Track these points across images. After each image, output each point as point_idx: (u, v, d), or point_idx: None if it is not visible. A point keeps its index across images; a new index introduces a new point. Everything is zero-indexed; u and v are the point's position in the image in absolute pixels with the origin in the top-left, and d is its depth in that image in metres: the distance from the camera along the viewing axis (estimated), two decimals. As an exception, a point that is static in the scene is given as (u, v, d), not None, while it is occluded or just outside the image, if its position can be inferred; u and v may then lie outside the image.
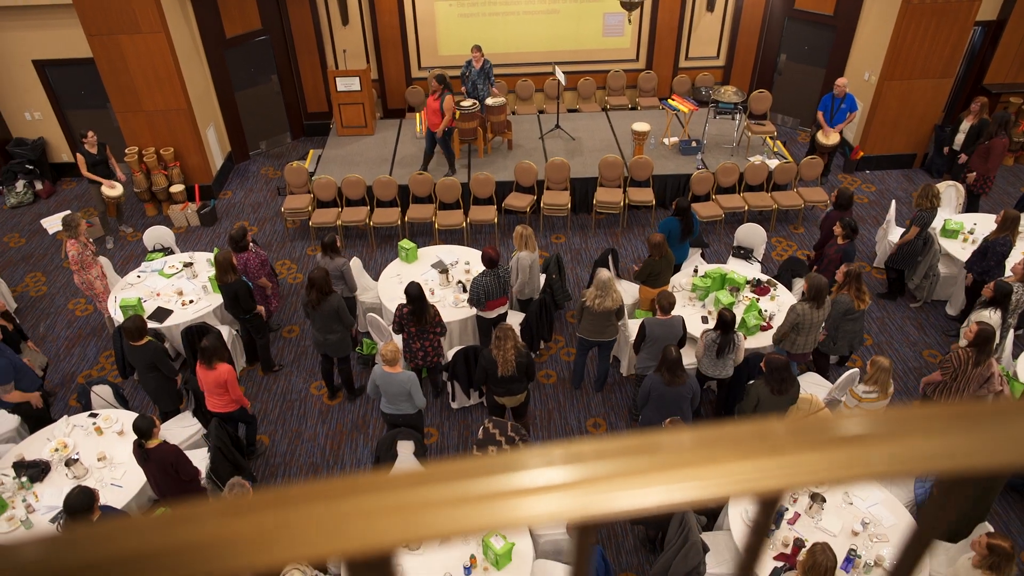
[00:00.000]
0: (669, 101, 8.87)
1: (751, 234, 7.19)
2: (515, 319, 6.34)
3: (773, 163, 8.39)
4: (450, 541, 0.41)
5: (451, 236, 8.03)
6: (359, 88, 8.90)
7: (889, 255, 7.08)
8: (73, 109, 9.31)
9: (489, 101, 8.59)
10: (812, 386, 5.67)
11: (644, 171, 8.29)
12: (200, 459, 4.95)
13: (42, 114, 9.27)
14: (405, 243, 6.83)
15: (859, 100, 8.79)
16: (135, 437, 4.42)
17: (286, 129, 10.34)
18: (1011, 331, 5.87)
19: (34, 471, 4.74)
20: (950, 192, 7.74)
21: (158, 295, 6.41)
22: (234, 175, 9.69)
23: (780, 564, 4.09)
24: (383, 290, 6.51)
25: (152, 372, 5.29)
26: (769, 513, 0.46)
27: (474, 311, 6.02)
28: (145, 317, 5.85)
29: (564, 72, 8.95)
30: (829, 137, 8.48)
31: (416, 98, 9.91)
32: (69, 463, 4.76)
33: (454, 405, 6.11)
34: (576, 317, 5.98)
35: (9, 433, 5.30)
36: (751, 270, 6.76)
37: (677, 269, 6.59)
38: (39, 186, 9.29)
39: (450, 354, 5.82)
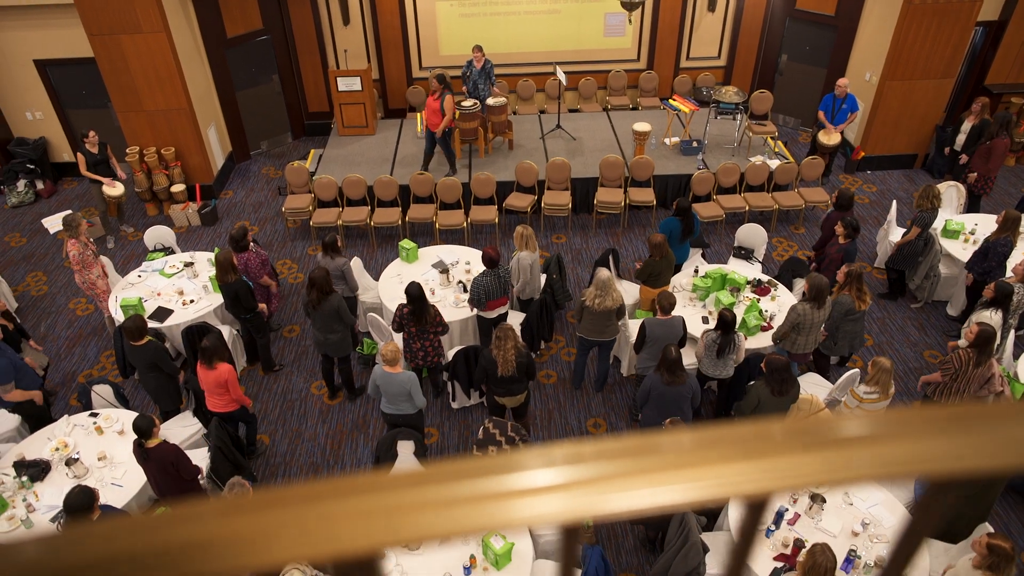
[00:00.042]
0: (670, 101, 8.87)
1: (752, 234, 7.18)
2: (515, 319, 6.34)
3: (774, 163, 8.39)
4: (449, 541, 0.41)
5: (452, 236, 8.03)
6: (360, 88, 8.90)
7: (890, 255, 7.07)
8: (74, 109, 9.32)
9: (490, 101, 8.59)
10: (812, 386, 5.67)
11: (645, 171, 8.29)
12: (200, 459, 4.95)
13: (43, 114, 9.28)
14: (406, 243, 6.83)
15: (860, 100, 8.78)
16: (135, 437, 4.43)
17: (287, 129, 10.35)
18: (1012, 332, 5.86)
19: (34, 470, 4.75)
20: (951, 193, 7.73)
21: (159, 295, 6.42)
22: (235, 175, 9.69)
23: (780, 564, 4.08)
24: (384, 290, 6.51)
25: (152, 372, 5.30)
26: (758, 515, 0.46)
27: (474, 311, 6.02)
28: (146, 317, 5.86)
29: (565, 72, 8.95)
30: (830, 137, 8.47)
31: (417, 98, 9.91)
32: (69, 462, 4.77)
33: (454, 405, 6.11)
34: (576, 317, 5.98)
35: (10, 432, 5.30)
36: (752, 270, 6.76)
37: (678, 269, 6.59)
38: (40, 186, 9.30)
39: (450, 354, 5.82)
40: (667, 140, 8.92)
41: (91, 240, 6.63)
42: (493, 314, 5.98)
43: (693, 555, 4.00)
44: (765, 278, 6.43)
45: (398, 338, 5.77)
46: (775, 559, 4.14)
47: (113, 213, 8.31)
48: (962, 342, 5.59)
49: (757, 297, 6.21)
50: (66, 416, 5.26)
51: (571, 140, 9.06)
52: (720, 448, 0.42)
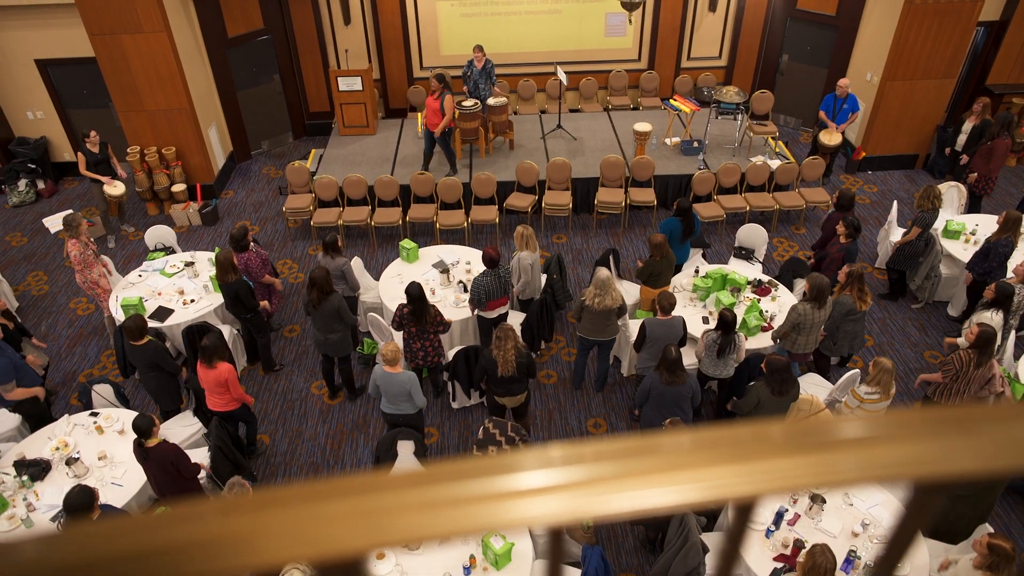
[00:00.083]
0: (671, 101, 8.87)
1: (752, 234, 7.18)
2: (516, 319, 6.34)
3: (775, 163, 8.38)
4: (449, 541, 0.41)
5: (452, 236, 8.04)
6: (361, 88, 8.90)
7: (890, 256, 7.07)
8: (75, 108, 9.33)
9: (491, 101, 8.59)
10: (813, 387, 5.67)
11: (646, 171, 8.29)
12: (200, 458, 4.95)
13: (44, 113, 9.28)
14: (406, 243, 6.83)
15: (861, 100, 8.78)
16: (135, 436, 4.43)
17: (288, 129, 10.35)
18: (1012, 332, 5.86)
19: (35, 470, 4.75)
20: (952, 193, 7.73)
21: (159, 294, 6.42)
22: (236, 174, 9.70)
23: (780, 565, 4.08)
24: (384, 290, 6.51)
25: (153, 371, 5.30)
26: (746, 517, 0.46)
27: (475, 312, 6.02)
28: (146, 316, 5.87)
29: (566, 72, 8.95)
30: (831, 138, 8.47)
31: (418, 97, 9.91)
32: (70, 462, 4.77)
33: (454, 405, 6.11)
34: (575, 316, 5.98)
35: (10, 432, 5.31)
36: (752, 271, 6.76)
37: (678, 269, 6.59)
38: (41, 185, 9.31)
39: (451, 354, 5.82)
40: (668, 140, 8.92)
41: (91, 240, 6.63)
42: (493, 314, 5.98)
43: (693, 555, 4.00)
44: (766, 278, 6.43)
45: (398, 337, 5.77)
46: (775, 559, 4.14)
47: (114, 213, 8.32)
48: (961, 341, 5.59)
49: (757, 297, 6.21)
50: (66, 415, 5.27)
51: (572, 140, 9.06)
52: (719, 449, 0.42)
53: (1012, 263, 6.22)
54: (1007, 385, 5.26)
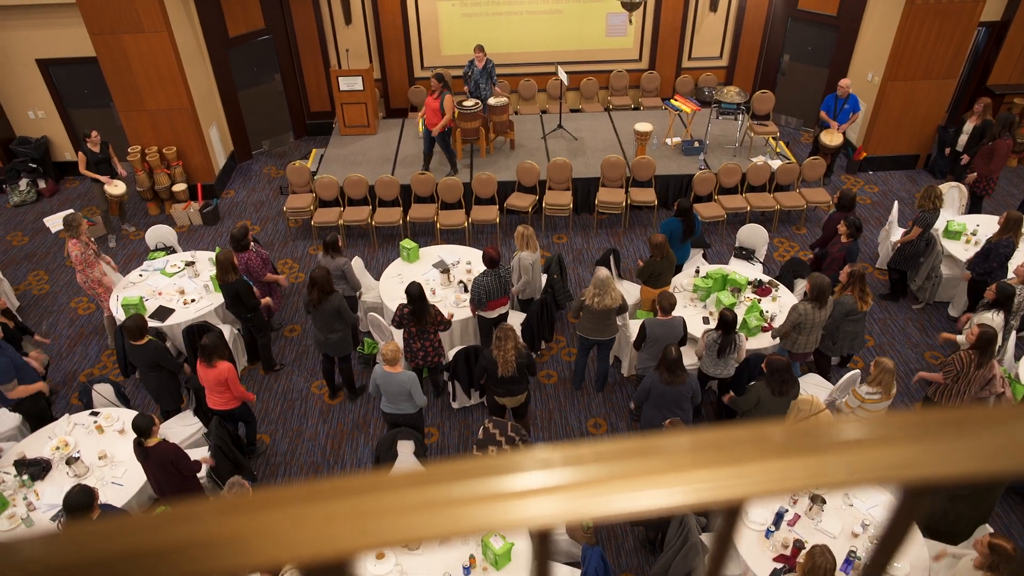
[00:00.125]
0: (672, 101, 8.86)
1: (753, 235, 7.18)
2: (516, 319, 6.34)
3: (776, 164, 8.38)
4: (449, 542, 0.42)
5: (453, 236, 8.04)
6: (362, 88, 8.90)
7: (892, 256, 7.06)
8: (76, 108, 9.33)
9: (491, 101, 8.59)
10: (813, 387, 5.67)
11: (646, 171, 8.29)
12: (200, 458, 4.95)
13: (45, 113, 9.29)
14: (407, 243, 6.83)
15: (862, 101, 8.77)
16: (135, 436, 4.43)
17: (289, 128, 10.36)
18: (1013, 333, 5.86)
19: (35, 469, 4.75)
20: (953, 193, 7.72)
21: (160, 294, 6.42)
22: (237, 174, 9.70)
23: (780, 566, 4.08)
24: (384, 289, 6.51)
25: (153, 371, 5.30)
26: (733, 520, 0.46)
27: (476, 313, 6.02)
28: (147, 316, 5.87)
29: (567, 72, 8.95)
30: (832, 138, 8.46)
31: (419, 98, 9.91)
32: (70, 461, 4.77)
33: (455, 405, 6.11)
34: (574, 315, 5.99)
35: (10, 431, 5.31)
36: (753, 271, 6.75)
37: (678, 270, 6.59)
38: (42, 185, 9.31)
39: (451, 354, 5.82)
40: (668, 140, 8.92)
41: (92, 239, 6.64)
42: (494, 314, 5.98)
43: (693, 555, 4.00)
44: (766, 279, 6.42)
45: (398, 337, 5.77)
46: (775, 560, 4.13)
47: (115, 212, 8.32)
48: (961, 339, 5.59)
49: (758, 298, 6.21)
50: (67, 415, 5.27)
51: (572, 140, 9.05)
52: (718, 451, 0.42)
53: (1013, 264, 6.21)
54: (1008, 386, 5.26)
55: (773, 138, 8.85)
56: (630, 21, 8.84)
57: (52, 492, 4.63)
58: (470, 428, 5.99)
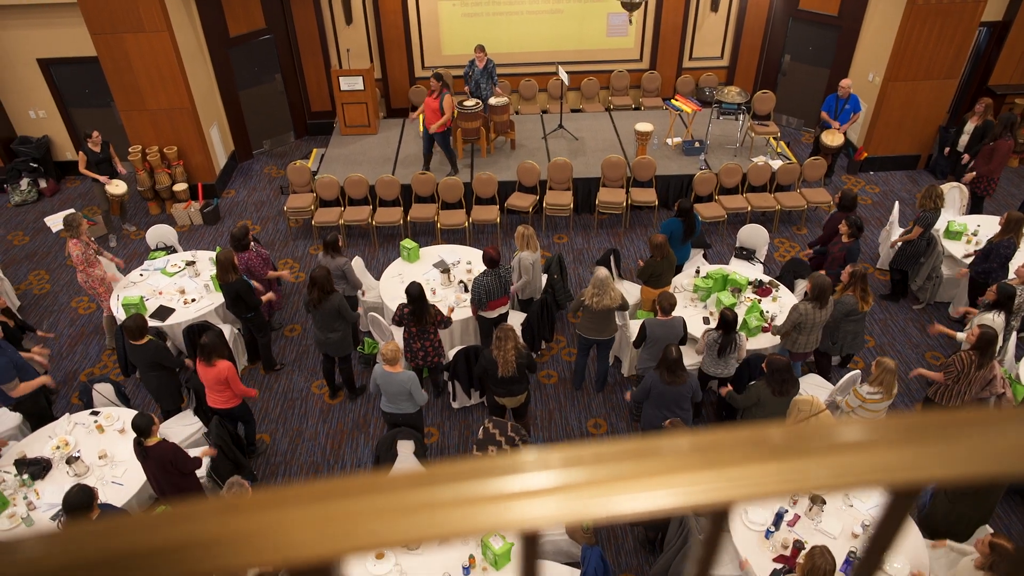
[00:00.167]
0: (672, 101, 8.86)
1: (753, 235, 7.18)
2: (516, 319, 6.34)
3: (776, 164, 8.38)
4: (449, 542, 0.42)
5: (453, 236, 8.04)
6: (362, 87, 8.91)
7: (893, 255, 7.06)
8: (77, 108, 9.34)
9: (492, 101, 8.59)
10: (814, 387, 5.66)
11: (647, 171, 8.29)
12: (201, 451, 4.96)
13: (46, 112, 9.30)
14: (407, 242, 6.84)
15: (863, 101, 8.77)
16: (135, 435, 4.44)
17: (289, 128, 10.36)
18: (1014, 333, 5.85)
19: (35, 469, 4.76)
20: (954, 194, 7.71)
21: (160, 293, 6.43)
22: (237, 174, 9.70)
23: (780, 566, 4.08)
24: (385, 289, 6.52)
25: (154, 371, 5.31)
26: (721, 524, 0.46)
27: (477, 313, 6.02)
28: (147, 315, 5.88)
29: (567, 72, 8.95)
30: (833, 138, 8.46)
31: (420, 98, 9.91)
32: (70, 461, 4.78)
33: (455, 405, 6.12)
34: (573, 315, 5.99)
35: (11, 431, 5.32)
36: (753, 271, 6.75)
37: (679, 270, 6.59)
38: (43, 184, 9.32)
39: (451, 354, 5.82)
40: (669, 140, 8.92)
41: (92, 239, 6.65)
42: (494, 314, 5.98)
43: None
44: (766, 279, 6.42)
45: (398, 337, 5.78)
46: (774, 560, 4.13)
47: (116, 212, 8.33)
48: (961, 336, 5.60)
49: (758, 298, 6.21)
50: (67, 414, 5.28)
51: (573, 140, 9.05)
52: (718, 452, 0.42)
53: (1014, 264, 6.21)
54: (1008, 386, 5.25)
55: (774, 138, 8.84)
56: (630, 21, 8.85)
57: (52, 491, 4.63)
58: (470, 428, 5.99)
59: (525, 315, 6.34)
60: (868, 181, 9.29)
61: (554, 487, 0.41)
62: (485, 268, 5.81)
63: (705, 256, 7.31)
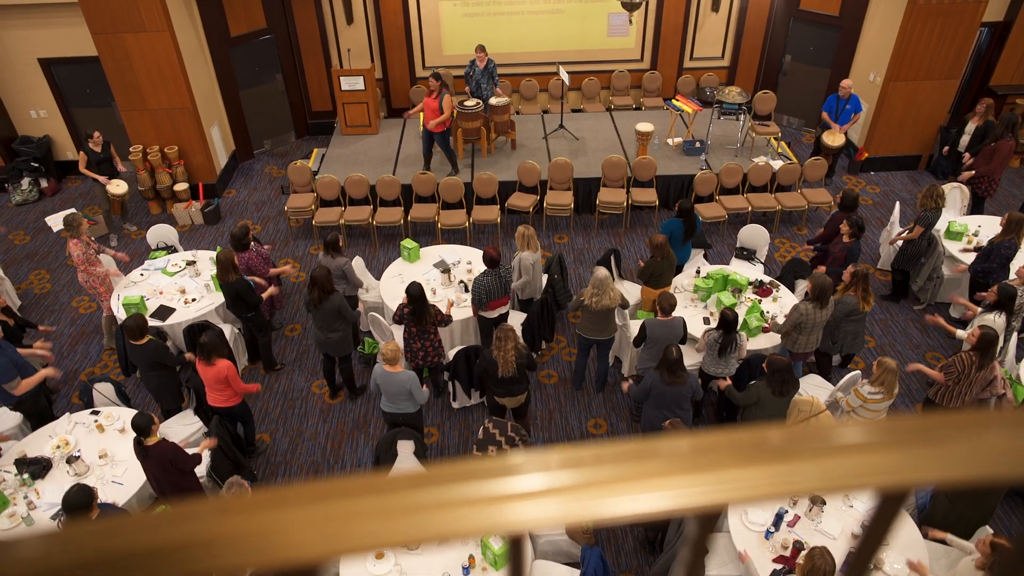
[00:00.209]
0: (673, 101, 8.86)
1: (754, 235, 7.17)
2: (516, 319, 6.34)
3: (777, 164, 8.37)
4: (448, 542, 0.42)
5: (454, 236, 8.04)
6: (363, 87, 8.91)
7: (895, 255, 7.05)
8: (78, 107, 9.35)
9: (493, 101, 8.59)
10: (814, 388, 5.66)
11: (647, 171, 8.29)
12: (200, 444, 4.96)
13: (47, 112, 9.31)
14: (407, 242, 6.84)
15: (864, 101, 8.76)
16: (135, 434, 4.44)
17: (290, 128, 10.37)
18: (1015, 334, 5.85)
19: (36, 468, 4.76)
20: (955, 194, 7.71)
21: (161, 293, 6.43)
22: (238, 174, 9.71)
23: (779, 567, 4.08)
24: (385, 289, 6.52)
25: (154, 371, 5.31)
26: (709, 527, 0.46)
27: (478, 313, 6.02)
28: (147, 315, 5.88)
29: (568, 72, 8.95)
30: (834, 138, 8.46)
31: (420, 98, 9.90)
32: (70, 460, 4.78)
33: (455, 405, 6.12)
34: (572, 314, 5.98)
35: (11, 430, 5.32)
36: (754, 271, 6.75)
37: (679, 270, 6.59)
38: (44, 184, 9.33)
39: (451, 354, 5.82)
40: (670, 140, 8.92)
41: (93, 239, 6.65)
42: (494, 314, 5.98)
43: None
44: (767, 279, 6.42)
45: (399, 336, 5.78)
46: (774, 561, 4.13)
47: (117, 211, 8.34)
48: (961, 333, 5.59)
49: (759, 298, 6.21)
50: (67, 414, 5.28)
51: (574, 140, 9.05)
52: (712, 455, 0.42)
53: (1015, 265, 6.21)
54: (1009, 387, 5.25)
55: (775, 138, 8.84)
56: (630, 21, 8.84)
57: (52, 491, 4.63)
58: (470, 428, 5.99)
59: (525, 315, 6.34)
60: (869, 181, 9.29)
61: (553, 488, 0.41)
62: (485, 268, 5.81)
63: (706, 256, 7.31)
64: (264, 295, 6.10)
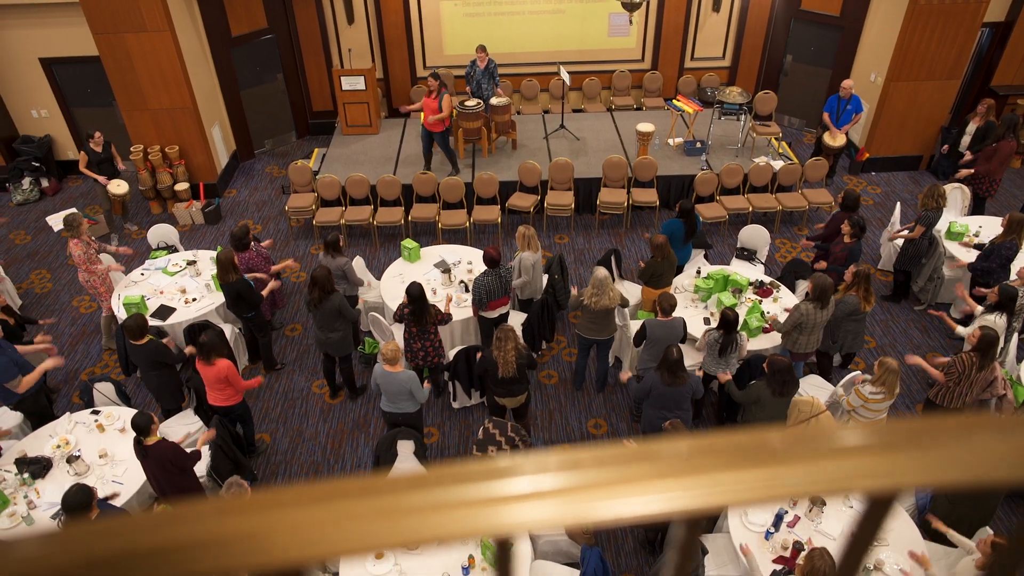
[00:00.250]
0: (674, 102, 8.86)
1: (755, 235, 7.17)
2: (517, 319, 6.35)
3: (778, 164, 8.37)
4: (448, 543, 0.42)
5: (454, 236, 8.04)
6: (364, 87, 8.91)
7: (897, 256, 7.05)
8: (79, 107, 9.35)
9: (493, 101, 8.59)
10: (814, 388, 5.66)
11: (648, 172, 8.28)
12: (199, 439, 4.97)
13: (48, 112, 9.31)
14: (408, 242, 6.84)
15: (865, 101, 8.76)
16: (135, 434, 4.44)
17: (291, 128, 10.37)
18: (1015, 335, 5.84)
19: (36, 467, 4.77)
20: (956, 194, 7.71)
21: (161, 293, 6.44)
22: (239, 173, 9.71)
23: (779, 567, 4.08)
24: (385, 289, 6.52)
25: (154, 370, 5.31)
26: (696, 531, 0.46)
27: (478, 313, 6.02)
28: (148, 315, 5.89)
29: (569, 72, 8.95)
30: (835, 139, 8.45)
31: (421, 98, 9.90)
32: (71, 460, 4.78)
33: (455, 405, 6.12)
34: (572, 313, 5.98)
35: (11, 430, 5.32)
36: (754, 272, 6.75)
37: (680, 270, 6.58)
38: (45, 183, 9.34)
39: (451, 354, 5.82)
40: (671, 140, 8.91)
41: (93, 238, 6.66)
42: (494, 314, 5.98)
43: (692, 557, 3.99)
44: (767, 279, 6.42)
45: (399, 336, 5.78)
46: (774, 561, 4.13)
47: (117, 211, 8.35)
48: (961, 331, 5.59)
49: (759, 299, 6.20)
50: (68, 413, 5.28)
51: (574, 140, 9.05)
52: (717, 456, 0.42)
53: (1015, 266, 6.20)
54: (1009, 388, 5.25)
55: (775, 139, 8.84)
56: (631, 22, 8.85)
57: (53, 490, 4.63)
58: (470, 428, 5.99)
59: (525, 315, 6.34)
60: (870, 182, 9.28)
61: (552, 491, 0.41)
62: (486, 268, 5.81)
63: (706, 256, 7.30)
64: (265, 291, 6.10)
